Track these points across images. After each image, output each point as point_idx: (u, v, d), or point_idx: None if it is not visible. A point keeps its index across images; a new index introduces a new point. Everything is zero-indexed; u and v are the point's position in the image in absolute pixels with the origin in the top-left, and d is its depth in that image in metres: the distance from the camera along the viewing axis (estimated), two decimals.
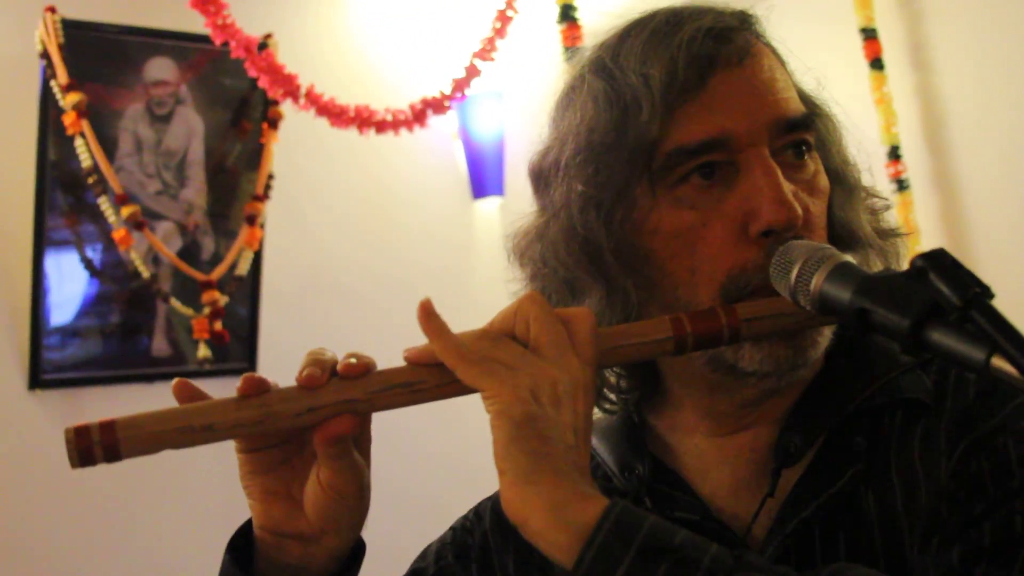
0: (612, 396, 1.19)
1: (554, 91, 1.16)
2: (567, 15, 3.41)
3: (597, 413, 1.15)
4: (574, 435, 0.92)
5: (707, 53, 1.05)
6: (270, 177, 3.74)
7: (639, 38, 1.08)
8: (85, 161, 3.37)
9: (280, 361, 3.88)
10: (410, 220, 4.18)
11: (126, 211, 3.41)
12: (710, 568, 0.85)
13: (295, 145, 3.83)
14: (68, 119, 3.34)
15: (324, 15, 4.07)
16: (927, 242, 3.79)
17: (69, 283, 3.44)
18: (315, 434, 0.96)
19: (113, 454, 0.91)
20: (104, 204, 3.41)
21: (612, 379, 1.18)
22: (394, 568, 1.28)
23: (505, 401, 0.91)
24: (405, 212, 4.17)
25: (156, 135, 3.59)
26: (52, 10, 3.34)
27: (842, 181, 1.14)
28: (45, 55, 3.36)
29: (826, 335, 1.08)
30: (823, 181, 1.10)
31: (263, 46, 3.35)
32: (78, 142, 3.37)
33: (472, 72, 3.69)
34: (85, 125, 3.36)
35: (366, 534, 1.07)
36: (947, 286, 0.82)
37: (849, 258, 0.95)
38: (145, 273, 3.48)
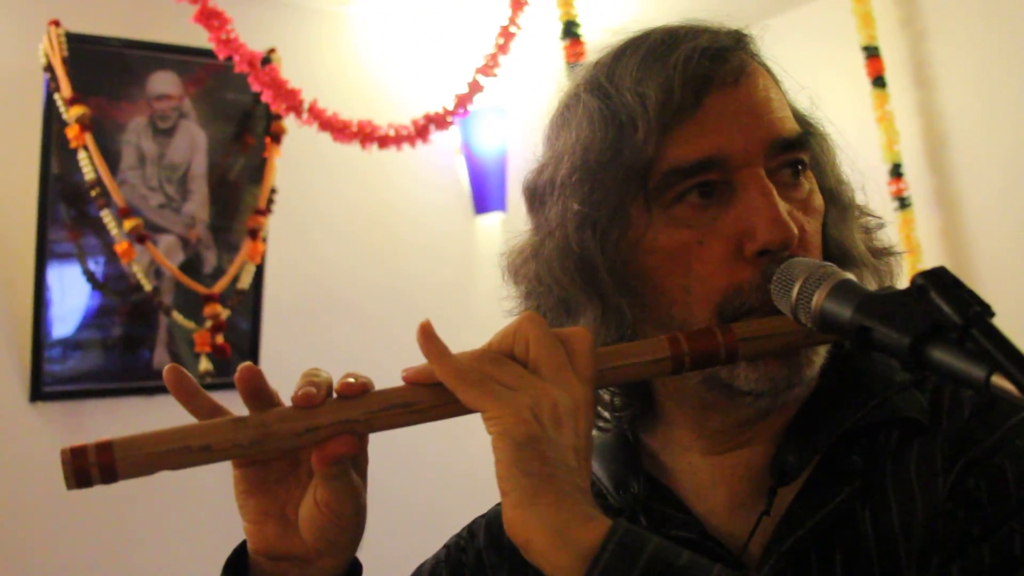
0: (606, 414, 1.19)
1: (549, 109, 1.17)
2: (570, 31, 3.42)
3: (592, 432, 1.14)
4: (575, 455, 0.92)
5: (703, 73, 1.05)
6: (272, 191, 3.74)
7: (634, 57, 1.08)
8: (88, 174, 3.38)
9: (282, 375, 3.86)
10: (412, 235, 4.19)
11: (128, 224, 3.42)
12: None
13: (298, 159, 3.84)
14: (71, 132, 3.35)
15: (327, 30, 4.09)
16: (928, 260, 3.79)
17: (71, 296, 3.45)
18: (314, 455, 0.96)
19: (109, 475, 0.90)
20: (107, 217, 3.42)
21: (606, 397, 1.18)
22: None
23: (506, 423, 0.91)
24: (407, 227, 4.18)
25: (159, 148, 3.60)
26: (56, 23, 3.36)
27: (836, 200, 1.14)
28: (49, 68, 3.37)
29: (821, 354, 1.08)
30: (818, 200, 1.10)
31: (266, 61, 3.37)
32: (81, 155, 3.38)
33: (475, 88, 3.70)
34: (88, 138, 3.37)
35: (361, 550, 1.06)
36: (948, 304, 0.82)
37: (851, 276, 0.95)
38: (147, 286, 3.49)
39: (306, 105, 3.41)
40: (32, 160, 3.38)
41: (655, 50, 1.07)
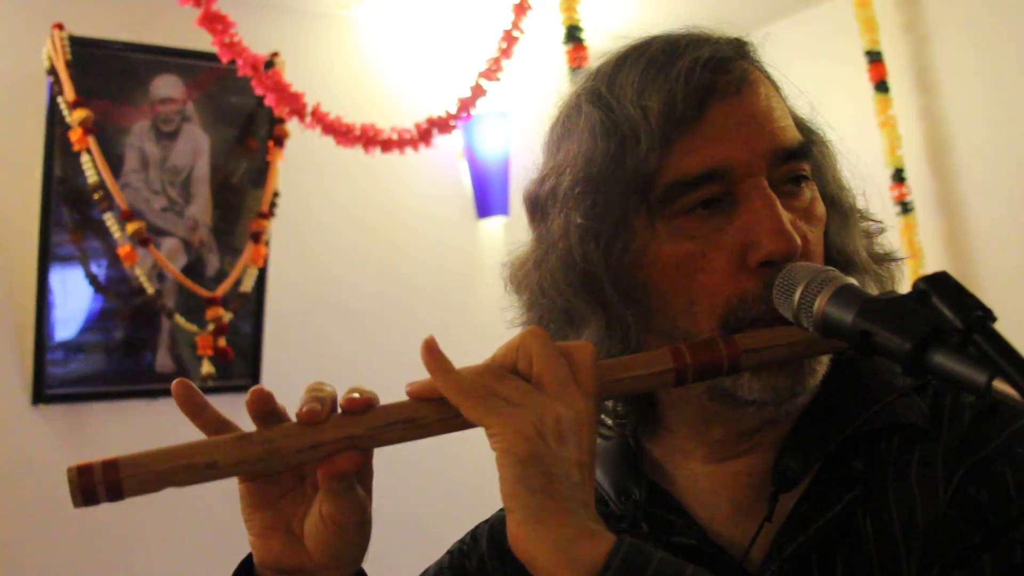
0: (609, 421, 1.19)
1: (548, 118, 1.16)
2: (573, 36, 3.42)
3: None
4: (579, 470, 0.92)
5: (705, 84, 1.05)
6: (275, 195, 3.75)
7: (635, 68, 1.08)
8: (91, 177, 3.39)
9: (284, 377, 3.89)
10: (415, 238, 4.19)
11: (131, 227, 3.42)
12: None
13: (301, 163, 3.85)
14: (74, 135, 3.35)
15: (330, 34, 4.09)
16: (930, 265, 3.79)
17: (74, 298, 3.45)
18: (319, 470, 0.96)
19: (116, 493, 0.92)
20: (109, 220, 3.42)
21: (609, 404, 1.18)
22: None
23: (510, 439, 0.91)
24: (410, 230, 4.18)
25: (162, 152, 3.61)
26: (60, 27, 3.36)
27: (838, 206, 1.14)
28: (52, 71, 3.37)
29: (824, 362, 1.08)
30: (820, 208, 1.10)
31: (270, 64, 3.37)
32: (84, 158, 3.38)
33: (478, 92, 3.70)
34: (91, 141, 3.37)
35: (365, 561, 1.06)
36: (949, 309, 0.82)
37: (852, 281, 0.95)
38: (149, 289, 3.49)
39: (309, 109, 3.42)
40: (35, 163, 3.38)
41: (656, 61, 1.07)
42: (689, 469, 1.15)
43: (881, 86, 3.93)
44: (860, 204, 1.17)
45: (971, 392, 0.79)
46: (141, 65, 3.57)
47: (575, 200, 1.08)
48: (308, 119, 3.42)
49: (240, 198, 3.75)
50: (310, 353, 3.86)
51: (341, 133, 3.50)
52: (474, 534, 1.26)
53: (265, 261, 3.74)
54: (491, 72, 3.69)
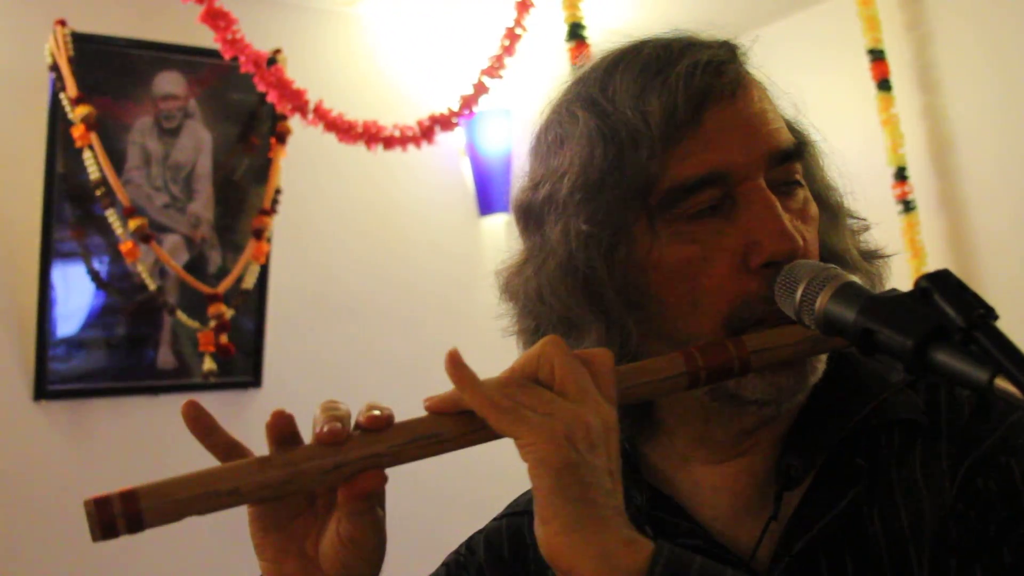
0: None
1: (536, 123, 1.16)
2: (575, 33, 3.42)
3: None
4: (610, 478, 0.92)
5: (702, 88, 1.05)
6: (277, 191, 3.75)
7: (629, 72, 1.07)
8: (93, 173, 3.39)
9: (285, 375, 3.89)
10: (417, 235, 4.19)
11: (133, 224, 3.42)
12: None
13: (303, 160, 3.85)
14: (77, 132, 3.35)
15: (333, 31, 4.09)
16: (933, 263, 3.79)
17: (76, 295, 3.46)
18: (342, 491, 0.94)
19: (136, 525, 0.87)
20: (112, 216, 3.43)
21: None
22: None
23: (543, 449, 0.90)
24: (412, 227, 4.19)
25: (164, 148, 3.61)
26: (62, 23, 3.36)
27: (826, 205, 1.14)
28: (55, 68, 3.38)
29: (824, 360, 1.08)
30: (813, 208, 1.10)
31: (272, 61, 3.37)
32: (86, 155, 3.38)
33: (480, 89, 3.70)
34: (94, 138, 3.37)
35: None
36: (951, 307, 0.82)
37: (854, 278, 0.96)
38: (151, 285, 3.49)
39: (311, 105, 3.42)
40: (37, 159, 3.38)
41: (651, 65, 1.07)
42: (689, 471, 1.15)
43: (883, 84, 3.92)
44: (846, 202, 1.18)
45: (973, 390, 0.79)
46: (143, 62, 3.57)
47: (575, 206, 1.07)
48: (310, 116, 3.42)
49: (242, 195, 3.75)
50: (312, 349, 3.87)
51: (343, 130, 3.50)
52: (469, 544, 1.25)
53: (267, 258, 3.74)
54: (493, 69, 3.68)
